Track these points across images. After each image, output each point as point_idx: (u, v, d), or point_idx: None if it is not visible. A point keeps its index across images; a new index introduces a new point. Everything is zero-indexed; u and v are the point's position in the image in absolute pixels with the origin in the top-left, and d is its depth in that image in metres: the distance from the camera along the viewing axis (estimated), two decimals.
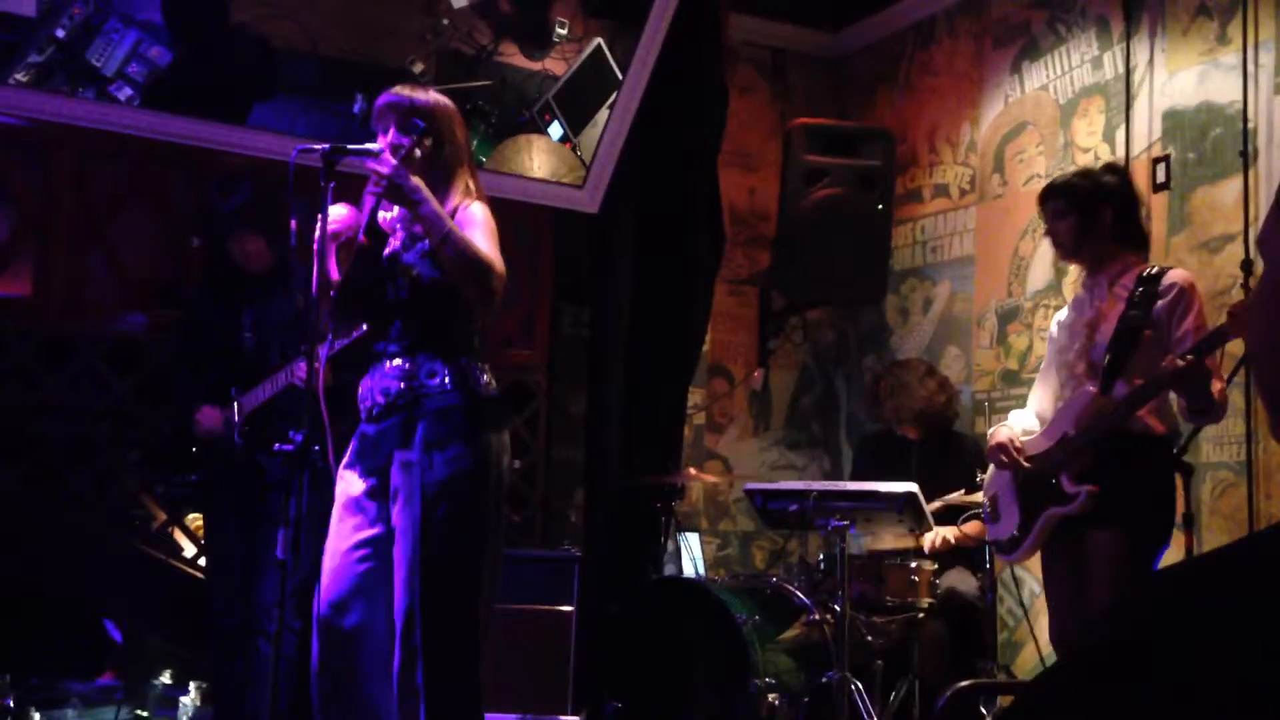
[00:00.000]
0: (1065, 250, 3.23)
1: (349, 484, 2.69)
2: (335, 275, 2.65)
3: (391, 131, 2.68)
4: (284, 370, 3.43)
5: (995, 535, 3.33)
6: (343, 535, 2.66)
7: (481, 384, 2.64)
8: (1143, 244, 3.27)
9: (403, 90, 2.74)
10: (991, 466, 3.38)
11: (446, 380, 2.60)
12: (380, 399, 2.64)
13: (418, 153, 2.64)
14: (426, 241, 2.61)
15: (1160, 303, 3.06)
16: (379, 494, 2.64)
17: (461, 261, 2.55)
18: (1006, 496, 3.26)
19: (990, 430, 3.43)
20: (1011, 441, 3.21)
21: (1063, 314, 3.34)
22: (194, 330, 3.67)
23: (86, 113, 4.12)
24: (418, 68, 4.75)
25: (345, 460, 2.72)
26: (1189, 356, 2.82)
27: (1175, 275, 3.10)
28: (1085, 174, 3.30)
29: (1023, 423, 3.34)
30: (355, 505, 2.66)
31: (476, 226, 2.64)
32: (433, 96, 2.75)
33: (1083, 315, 3.19)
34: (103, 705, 3.86)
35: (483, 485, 2.60)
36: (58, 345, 4.05)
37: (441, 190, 2.67)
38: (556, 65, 5.07)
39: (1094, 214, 3.16)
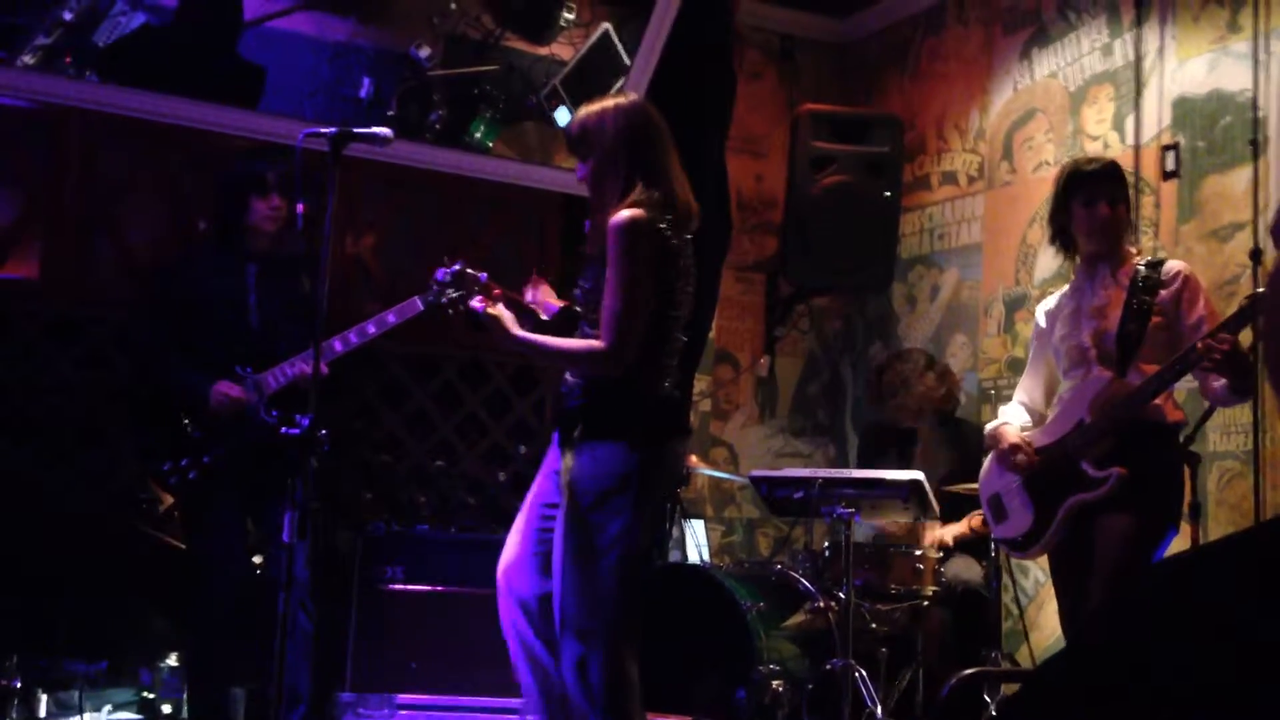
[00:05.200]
0: (1117, 234, 3.17)
1: (549, 459, 2.93)
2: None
3: (578, 166, 2.90)
4: (308, 353, 3.37)
5: (1004, 534, 3.26)
6: (533, 508, 2.90)
7: (641, 394, 2.78)
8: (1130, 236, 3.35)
9: (574, 117, 2.90)
10: (985, 465, 3.35)
11: (605, 386, 2.77)
12: (563, 390, 2.87)
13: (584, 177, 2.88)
14: (586, 279, 2.85)
15: (1165, 291, 3.08)
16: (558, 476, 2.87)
17: (571, 369, 2.82)
18: (1012, 494, 3.22)
19: (989, 428, 3.38)
20: (1023, 441, 3.20)
21: (1050, 303, 3.32)
22: (192, 306, 3.55)
23: (93, 95, 4.12)
24: (424, 52, 4.74)
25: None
26: (1225, 336, 2.80)
27: (1176, 264, 3.14)
28: (1114, 163, 3.32)
29: (1017, 418, 3.31)
30: (544, 478, 2.92)
31: (614, 264, 2.72)
32: (584, 113, 2.86)
33: (1088, 301, 3.18)
34: (109, 687, 3.88)
35: (623, 487, 2.73)
36: (65, 327, 4.05)
37: (599, 203, 2.84)
38: (564, 50, 5.06)
39: (1128, 202, 3.23)
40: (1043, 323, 3.32)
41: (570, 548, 2.74)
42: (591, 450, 2.74)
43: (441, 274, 3.01)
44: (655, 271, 2.74)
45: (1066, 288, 3.31)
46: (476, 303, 2.88)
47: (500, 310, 2.83)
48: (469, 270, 2.98)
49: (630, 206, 2.74)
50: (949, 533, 4.06)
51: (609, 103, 2.86)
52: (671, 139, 2.89)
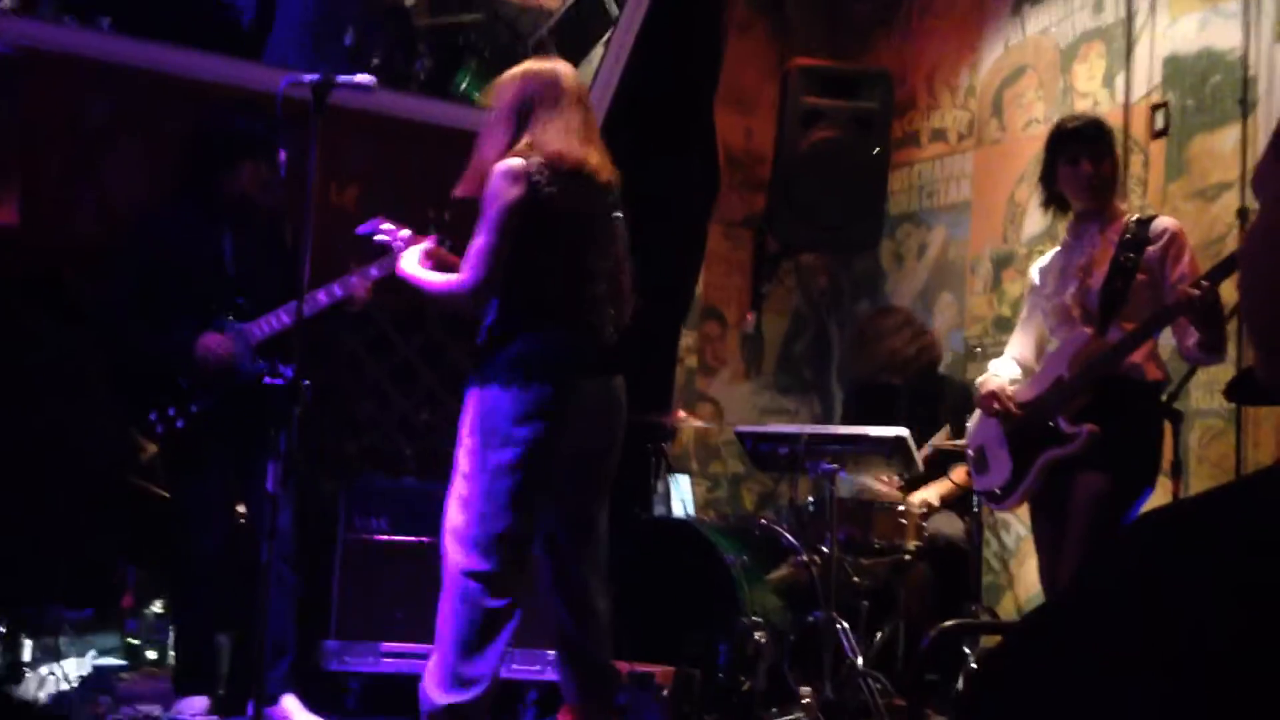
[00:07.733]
0: (1102, 191, 3.17)
1: None
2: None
3: None
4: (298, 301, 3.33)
5: (985, 485, 3.33)
6: None
7: (520, 341, 2.91)
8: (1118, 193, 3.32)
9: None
10: (974, 417, 3.38)
11: (495, 331, 2.94)
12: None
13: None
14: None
15: (1152, 248, 3.08)
16: None
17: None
18: (995, 446, 3.26)
19: (978, 379, 3.42)
20: (1003, 389, 3.22)
21: (1044, 260, 3.34)
22: (165, 260, 3.49)
23: (72, 40, 4.05)
24: (409, 1, 4.68)
25: None
26: (1204, 283, 2.80)
27: (1165, 221, 3.14)
28: (1097, 119, 3.30)
29: (1007, 371, 3.34)
30: None
31: (485, 206, 2.87)
32: (500, 79, 3.02)
33: (1074, 259, 3.19)
34: (94, 633, 3.89)
35: (503, 422, 2.89)
36: (45, 275, 4.02)
37: (478, 154, 2.97)
38: (551, 0, 5.00)
39: (1115, 158, 3.20)
40: (1036, 280, 3.33)
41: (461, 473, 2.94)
42: (479, 394, 2.93)
43: (362, 230, 3.16)
44: (527, 217, 2.83)
45: (1060, 246, 3.32)
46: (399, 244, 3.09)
47: (400, 248, 3.06)
48: (388, 225, 3.12)
49: (504, 158, 2.88)
50: (933, 493, 4.07)
51: (519, 68, 3.01)
52: (582, 104, 2.98)
